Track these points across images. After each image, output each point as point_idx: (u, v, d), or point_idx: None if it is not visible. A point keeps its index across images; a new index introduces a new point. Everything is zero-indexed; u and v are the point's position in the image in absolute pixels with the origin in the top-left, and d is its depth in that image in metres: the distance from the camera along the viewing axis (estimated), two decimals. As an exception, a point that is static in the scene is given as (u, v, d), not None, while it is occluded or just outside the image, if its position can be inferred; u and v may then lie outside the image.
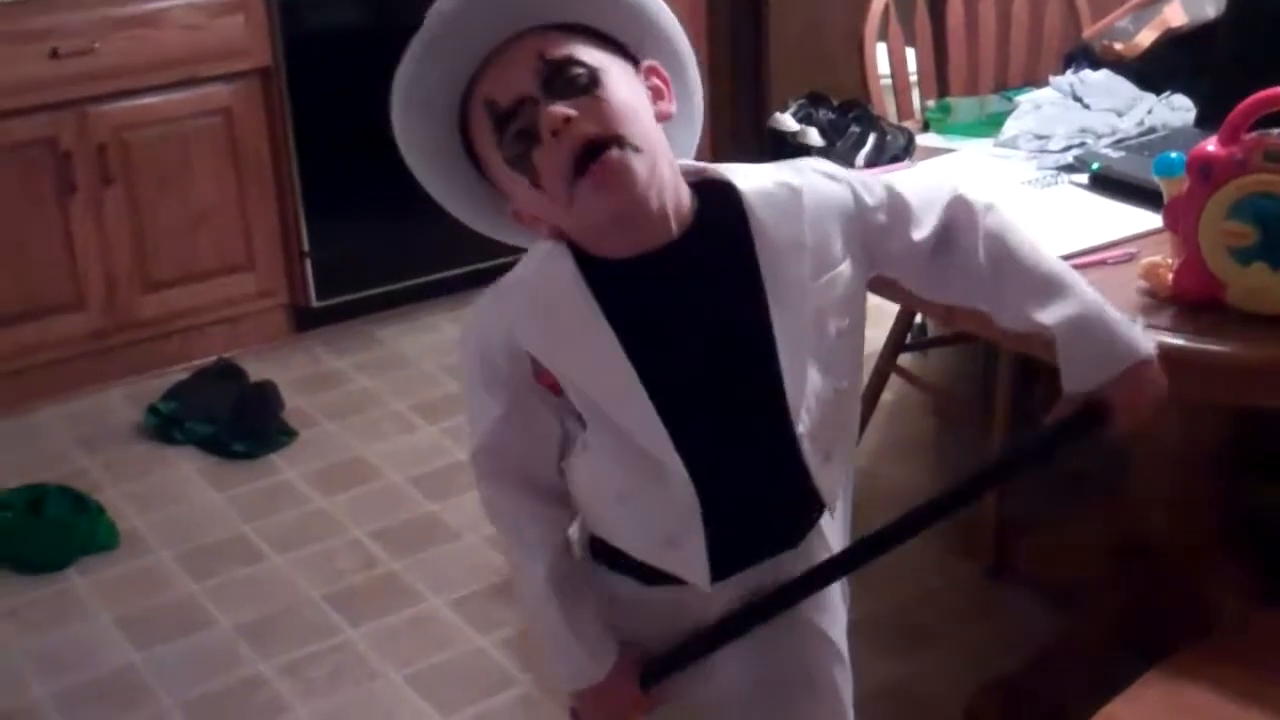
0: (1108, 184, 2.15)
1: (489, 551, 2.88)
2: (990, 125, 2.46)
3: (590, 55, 1.25)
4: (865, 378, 1.41)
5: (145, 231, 3.53)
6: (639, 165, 1.24)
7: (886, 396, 3.13)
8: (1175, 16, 2.49)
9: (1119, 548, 2.41)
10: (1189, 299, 1.79)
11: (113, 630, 2.69)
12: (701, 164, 1.36)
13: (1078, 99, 2.44)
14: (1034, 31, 2.95)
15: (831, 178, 1.36)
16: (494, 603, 2.72)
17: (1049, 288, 1.36)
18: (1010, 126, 2.39)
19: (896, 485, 3.00)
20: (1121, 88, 2.44)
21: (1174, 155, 1.79)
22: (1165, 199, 1.80)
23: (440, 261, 3.95)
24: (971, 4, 2.90)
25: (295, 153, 3.66)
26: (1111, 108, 2.38)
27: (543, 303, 1.31)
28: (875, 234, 1.37)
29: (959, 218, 1.39)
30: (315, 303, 3.80)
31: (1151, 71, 2.48)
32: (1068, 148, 2.30)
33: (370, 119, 3.74)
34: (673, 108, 1.32)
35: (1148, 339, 1.37)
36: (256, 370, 3.56)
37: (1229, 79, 2.25)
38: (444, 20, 1.26)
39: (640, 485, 1.33)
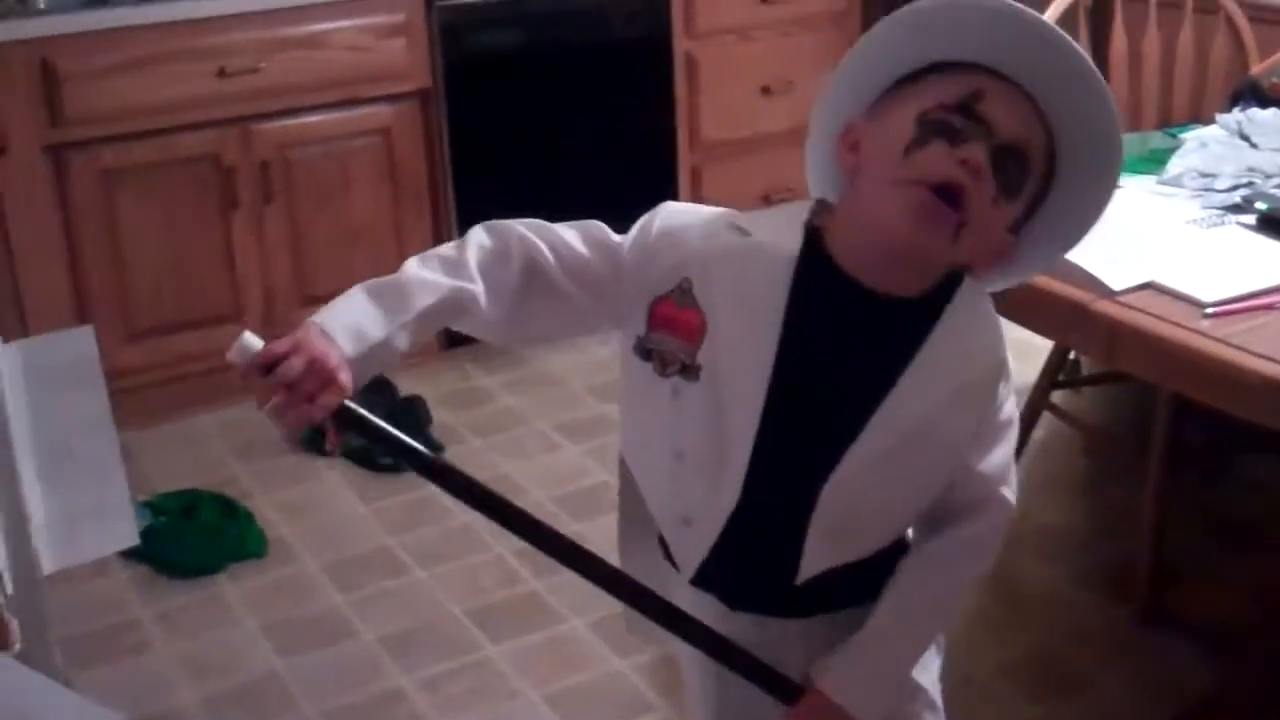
0: (1276, 225, 2.09)
1: (629, 575, 2.89)
2: (1153, 162, 2.41)
3: (1028, 189, 1.31)
4: (1017, 414, 1.42)
5: (303, 247, 3.61)
6: (941, 247, 1.29)
7: (1038, 433, 3.08)
8: (1350, 55, 2.42)
9: (1276, 595, 2.33)
10: (1361, 348, 1.73)
11: (259, 637, 2.75)
12: None
13: (1245, 137, 2.38)
14: (1199, 66, 2.89)
15: (1006, 365, 1.39)
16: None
17: (904, 600, 1.42)
18: (1175, 164, 2.34)
19: (1046, 525, 2.95)
20: (1292, 127, 2.37)
21: (1352, 199, 1.73)
22: (1341, 244, 1.75)
23: (588, 284, 3.98)
24: (1135, 37, 2.85)
25: (451, 172, 3.72)
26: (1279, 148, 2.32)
27: (750, 262, 1.34)
28: (980, 441, 1.39)
29: (996, 511, 1.43)
30: (465, 321, 3.84)
31: (1324, 111, 2.41)
32: (1234, 187, 2.24)
33: (525, 140, 3.90)
34: (982, 274, 1.36)
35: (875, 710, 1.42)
36: (406, 385, 3.61)
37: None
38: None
39: (702, 458, 1.37)
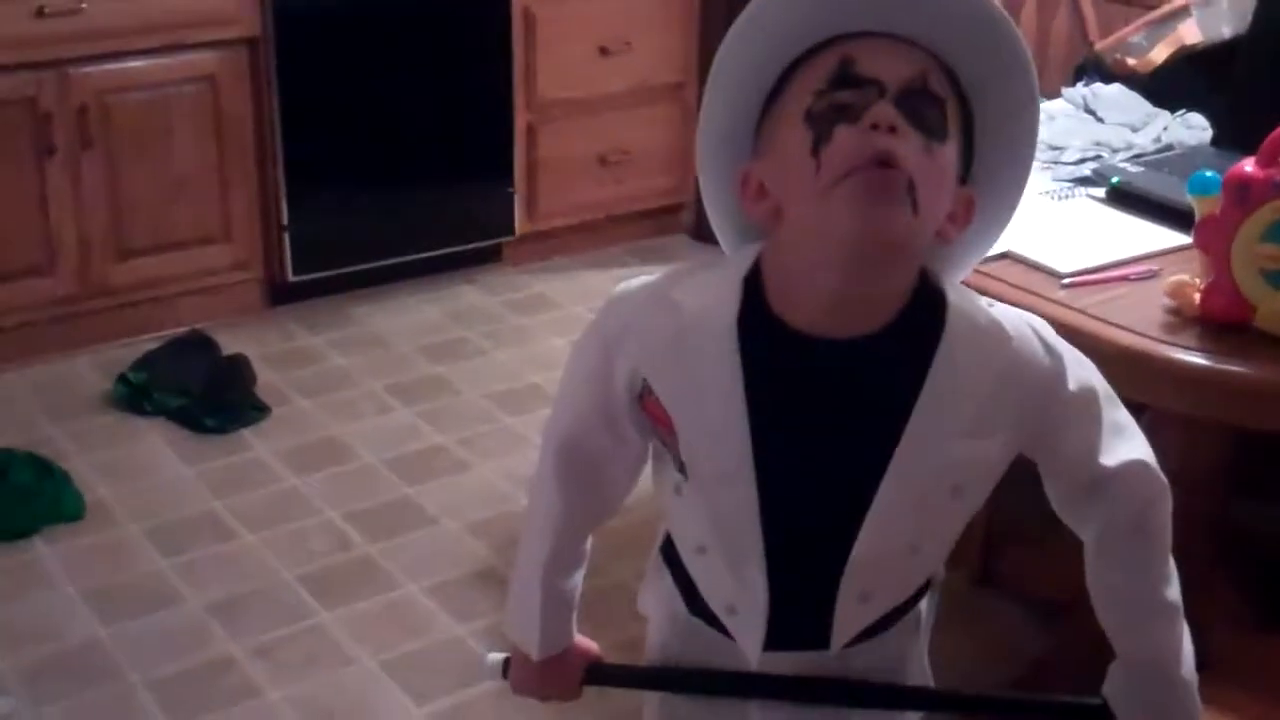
0: (1126, 199, 2.13)
1: (467, 538, 2.84)
2: (1000, 134, 2.44)
3: (952, 125, 1.18)
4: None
5: (122, 197, 3.45)
6: (906, 223, 1.14)
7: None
8: (1190, 34, 2.48)
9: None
10: (1216, 319, 1.77)
11: (78, 603, 2.62)
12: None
13: (1090, 111, 2.42)
14: (1041, 42, 2.94)
15: (1048, 348, 1.25)
16: (472, 591, 2.67)
17: (1148, 614, 1.33)
18: (1023, 136, 2.37)
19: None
20: (1134, 103, 2.43)
21: (1209, 175, 1.77)
22: (1197, 218, 1.78)
23: (421, 242, 3.91)
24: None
25: (279, 125, 3.59)
26: (1125, 122, 2.37)
27: (688, 344, 1.23)
28: (1053, 427, 1.26)
29: (1133, 481, 1.29)
30: (292, 277, 3.73)
31: (1164, 88, 2.47)
32: (1082, 160, 2.28)
33: (357, 94, 3.79)
34: (954, 234, 1.23)
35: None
36: (229, 343, 3.49)
37: (1248, 100, 2.25)
38: None
39: (719, 550, 1.30)
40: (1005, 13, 1.21)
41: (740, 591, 1.30)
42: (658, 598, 1.44)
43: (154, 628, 2.57)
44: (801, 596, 1.30)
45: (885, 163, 1.13)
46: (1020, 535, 2.67)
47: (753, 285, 1.22)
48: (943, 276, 1.24)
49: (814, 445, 1.23)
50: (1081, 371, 1.27)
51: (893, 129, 1.13)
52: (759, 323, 1.21)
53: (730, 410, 1.22)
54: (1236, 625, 2.15)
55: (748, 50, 1.20)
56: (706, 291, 1.24)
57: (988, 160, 1.24)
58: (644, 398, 1.28)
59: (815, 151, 1.14)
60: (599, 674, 1.45)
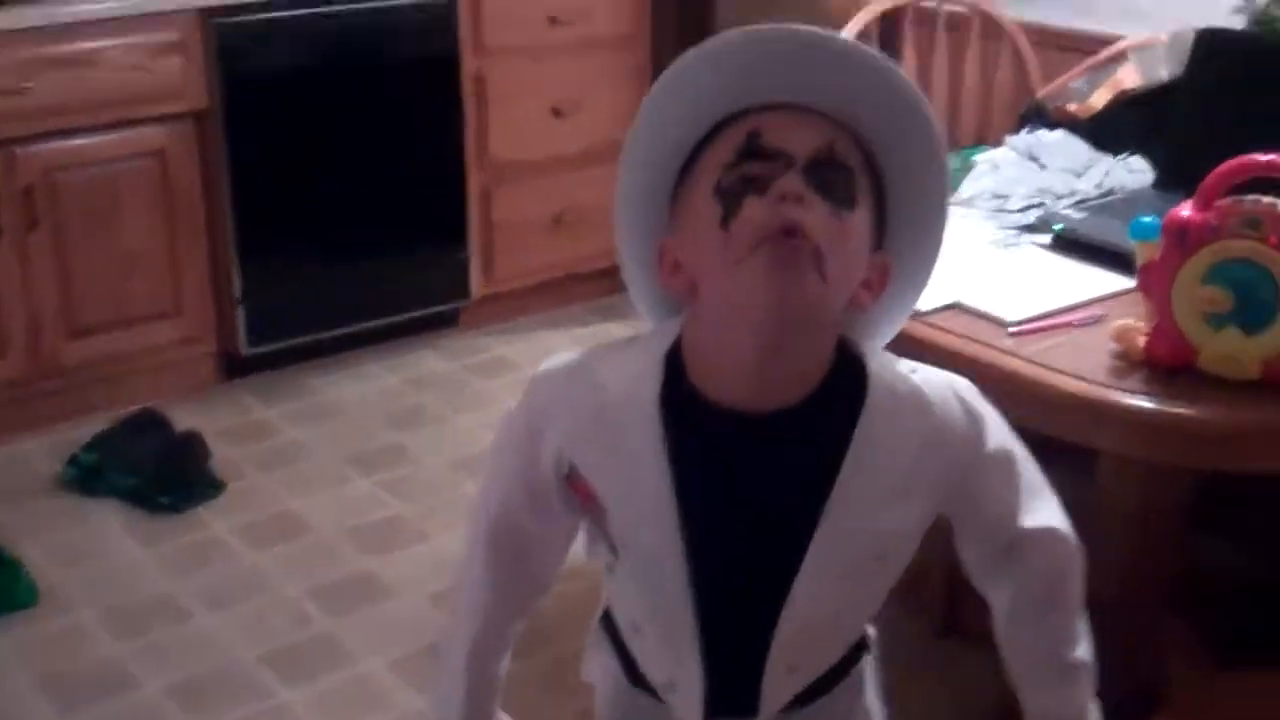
0: (1071, 245, 2.14)
1: (428, 610, 2.80)
2: (946, 184, 2.44)
3: (863, 189, 1.19)
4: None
5: (71, 276, 3.41)
6: (816, 291, 1.15)
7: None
8: (1129, 78, 2.49)
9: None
10: (1161, 362, 1.77)
11: (33, 692, 2.57)
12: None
13: (1034, 159, 2.43)
14: (984, 90, 2.95)
15: (968, 411, 1.26)
16: (433, 664, 2.63)
17: (1057, 675, 1.34)
18: (968, 186, 2.37)
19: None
20: (1077, 148, 2.43)
21: (1148, 220, 1.77)
22: (1139, 262, 1.78)
23: (376, 308, 3.88)
24: (924, 62, 2.90)
25: (230, 196, 3.57)
26: (1068, 168, 2.38)
27: (612, 422, 1.23)
28: (975, 490, 1.28)
29: (1049, 546, 1.31)
30: (246, 350, 3.70)
31: (1105, 132, 2.48)
32: (1027, 208, 2.28)
33: (308, 163, 3.77)
34: (869, 301, 1.24)
35: None
36: (182, 420, 3.45)
37: (1188, 142, 2.27)
38: (772, 40, 1.18)
39: (654, 628, 1.29)
40: (907, 79, 1.22)
41: (676, 668, 1.29)
42: (601, 669, 1.43)
43: (112, 714, 2.52)
44: (738, 669, 1.28)
45: (792, 232, 1.13)
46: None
47: (674, 361, 1.23)
48: (863, 344, 1.25)
49: (741, 520, 1.23)
50: (1001, 433, 1.28)
51: (800, 199, 1.14)
52: (681, 399, 1.21)
53: (658, 488, 1.21)
54: (1194, 663, 2.14)
55: (660, 124, 1.21)
56: (628, 369, 1.24)
57: (901, 226, 1.25)
58: (571, 477, 1.27)
59: (725, 224, 1.16)
60: None
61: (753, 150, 1.17)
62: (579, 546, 1.38)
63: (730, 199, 1.16)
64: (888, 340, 1.31)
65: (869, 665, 1.42)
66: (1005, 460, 1.28)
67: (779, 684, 1.29)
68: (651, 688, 1.35)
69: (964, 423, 1.25)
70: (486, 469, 1.37)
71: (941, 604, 2.62)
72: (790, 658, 1.27)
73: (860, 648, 1.39)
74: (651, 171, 1.24)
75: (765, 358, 1.18)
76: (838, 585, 1.25)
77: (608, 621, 1.40)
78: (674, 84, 1.20)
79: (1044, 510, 1.31)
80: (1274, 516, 2.47)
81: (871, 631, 1.42)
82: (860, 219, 1.19)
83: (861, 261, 1.20)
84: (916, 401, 1.23)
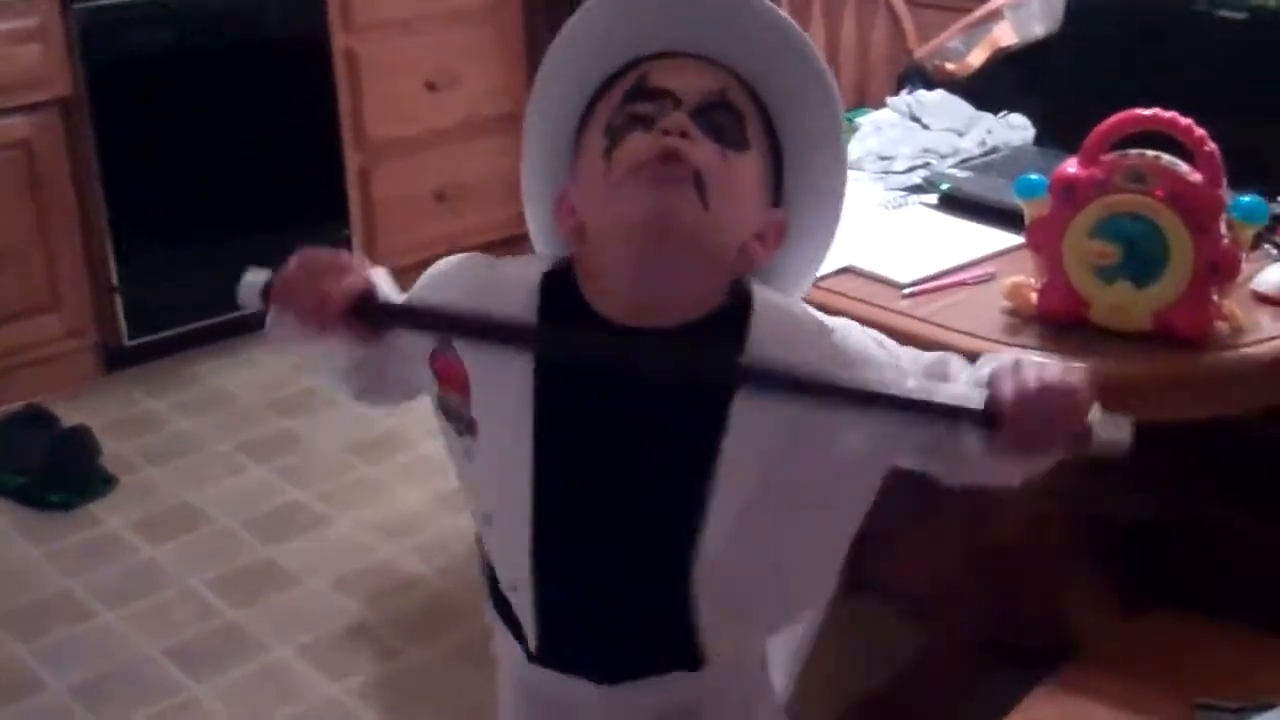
0: (957, 204, 2.17)
1: (335, 595, 2.79)
2: (831, 147, 2.47)
3: (755, 137, 1.21)
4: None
5: (-60, 274, 3.33)
6: (694, 212, 1.17)
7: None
8: (1005, 36, 2.54)
9: (975, 557, 2.43)
10: (1054, 318, 1.81)
11: (-68, 702, 2.52)
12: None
13: (916, 119, 2.46)
14: (861, 52, 2.98)
15: (880, 344, 1.28)
16: (344, 649, 2.63)
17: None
18: (853, 149, 2.40)
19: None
20: (958, 107, 2.47)
21: (1035, 177, 1.81)
22: (1027, 220, 1.82)
23: (258, 293, 3.82)
24: (801, 21, 2.91)
25: (101, 185, 3.50)
26: (951, 127, 2.41)
27: (495, 296, 1.25)
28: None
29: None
30: (127, 341, 3.63)
31: (984, 90, 2.52)
32: (912, 168, 2.32)
33: (181, 147, 3.70)
34: (767, 260, 1.26)
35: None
36: (68, 415, 3.38)
37: (1066, 98, 2.31)
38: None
39: (505, 519, 1.29)
40: (802, 32, 1.25)
41: (519, 560, 1.28)
42: (500, 644, 1.41)
43: (17, 717, 2.48)
44: (608, 584, 1.28)
45: (672, 158, 1.16)
46: (884, 536, 2.71)
47: (566, 277, 1.25)
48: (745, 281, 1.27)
49: (601, 425, 1.23)
50: (909, 360, 1.30)
51: (684, 130, 1.17)
52: (567, 304, 1.24)
53: (522, 369, 1.23)
54: (1102, 609, 2.20)
55: (557, 78, 1.25)
56: (522, 264, 1.29)
57: (799, 186, 1.27)
58: (436, 353, 1.27)
59: (607, 155, 1.19)
60: (371, 308, 1.21)
61: (641, 90, 1.20)
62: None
63: (615, 134, 1.20)
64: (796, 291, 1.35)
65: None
66: (863, 358, 1.27)
67: (715, 621, 1.27)
68: (548, 660, 1.33)
69: (872, 350, 1.27)
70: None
71: (845, 561, 2.67)
72: (720, 589, 1.25)
73: None
74: (552, 125, 1.27)
75: (643, 274, 1.20)
76: (759, 521, 1.23)
77: (488, 576, 1.38)
78: (569, 37, 1.25)
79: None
80: (1167, 457, 2.55)
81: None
82: (750, 162, 1.21)
83: (751, 206, 1.23)
84: (810, 329, 1.26)
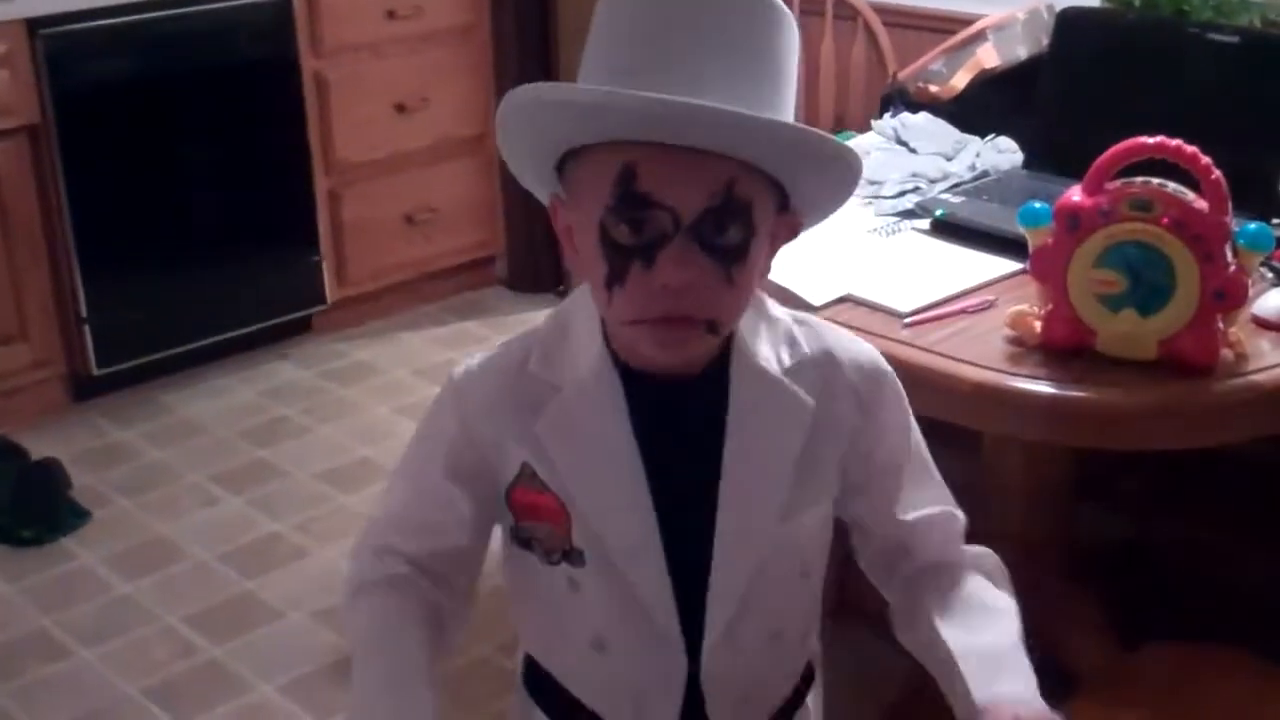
0: (952, 230, 2.16)
1: (316, 628, 2.74)
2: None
3: (760, 208, 1.11)
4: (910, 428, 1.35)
5: (-94, 305, 3.27)
6: (710, 345, 1.16)
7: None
8: (989, 58, 2.53)
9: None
10: (1058, 346, 1.80)
11: (-94, 748, 2.46)
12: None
13: (902, 143, 2.45)
14: (840, 74, 2.97)
15: (871, 376, 1.28)
16: (327, 684, 2.58)
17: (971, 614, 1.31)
18: (841, 173, 2.39)
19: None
20: (943, 130, 2.46)
21: (1039, 205, 1.80)
22: (1031, 248, 1.81)
23: (226, 320, 3.78)
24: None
25: (69, 213, 3.44)
26: (938, 151, 2.40)
27: (576, 434, 1.17)
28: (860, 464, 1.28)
29: (941, 525, 1.34)
30: (95, 371, 3.57)
31: (969, 113, 2.51)
32: (901, 193, 2.30)
33: (149, 175, 3.65)
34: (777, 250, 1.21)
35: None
36: (37, 447, 3.32)
37: (1055, 121, 2.31)
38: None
39: (624, 638, 1.22)
40: (838, 142, 1.13)
41: (655, 675, 1.23)
42: None
43: (-7, 764, 2.43)
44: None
45: (678, 325, 1.11)
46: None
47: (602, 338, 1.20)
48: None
49: (696, 497, 1.20)
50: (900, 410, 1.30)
51: (681, 290, 1.09)
52: (622, 377, 1.19)
53: (628, 478, 1.18)
54: (1101, 643, 2.19)
55: (524, 132, 1.14)
56: (576, 362, 1.20)
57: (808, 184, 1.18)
58: (515, 487, 1.20)
59: (608, 283, 1.11)
60: None
61: (631, 198, 1.08)
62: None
63: (615, 259, 1.10)
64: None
65: (815, 698, 1.42)
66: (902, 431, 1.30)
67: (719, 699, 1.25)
68: None
69: (862, 390, 1.26)
70: (392, 497, 1.28)
71: (834, 585, 2.64)
72: (731, 689, 1.24)
73: (808, 680, 1.38)
74: (531, 162, 1.18)
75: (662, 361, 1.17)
76: (752, 574, 1.21)
77: (532, 677, 1.31)
78: (524, 114, 1.12)
79: (931, 497, 1.32)
80: (1148, 481, 2.54)
81: (816, 646, 1.42)
82: (755, 250, 1.13)
83: (762, 261, 1.16)
84: (811, 373, 1.23)
